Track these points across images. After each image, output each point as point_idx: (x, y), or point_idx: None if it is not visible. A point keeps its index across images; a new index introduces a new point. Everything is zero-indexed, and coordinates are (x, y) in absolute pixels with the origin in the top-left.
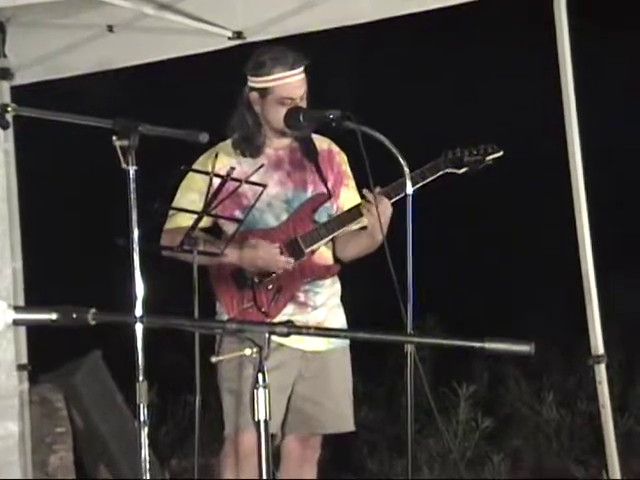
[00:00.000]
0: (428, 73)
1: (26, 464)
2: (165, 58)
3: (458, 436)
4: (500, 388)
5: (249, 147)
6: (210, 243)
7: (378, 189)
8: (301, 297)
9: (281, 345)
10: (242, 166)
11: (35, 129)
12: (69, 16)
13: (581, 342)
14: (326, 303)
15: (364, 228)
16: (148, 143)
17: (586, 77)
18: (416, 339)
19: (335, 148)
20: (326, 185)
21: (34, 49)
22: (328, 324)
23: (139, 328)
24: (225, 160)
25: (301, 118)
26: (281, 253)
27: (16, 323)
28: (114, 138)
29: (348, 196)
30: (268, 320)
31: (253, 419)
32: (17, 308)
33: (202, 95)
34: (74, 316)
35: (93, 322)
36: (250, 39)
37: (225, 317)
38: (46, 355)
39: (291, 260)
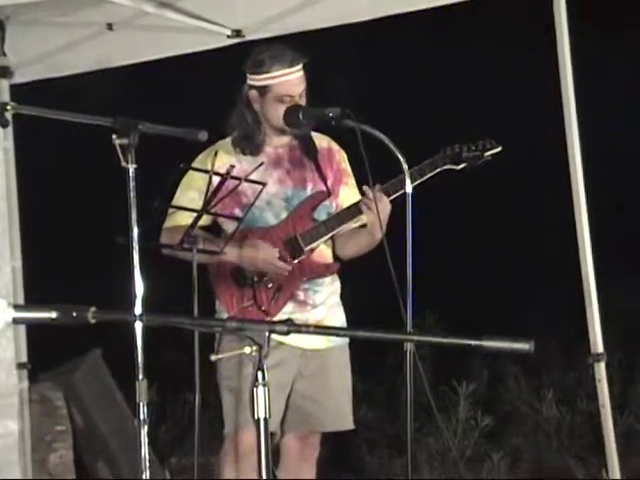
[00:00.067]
0: (428, 72)
1: (26, 463)
2: (164, 56)
3: (458, 434)
4: (500, 386)
5: (249, 145)
6: (210, 241)
7: (377, 186)
8: (301, 295)
9: (281, 343)
10: (242, 164)
11: (35, 127)
12: (69, 14)
13: (581, 340)
14: (326, 301)
15: (364, 226)
16: (148, 141)
17: (586, 79)
18: (415, 337)
19: (335, 146)
20: (325, 183)
21: (34, 47)
22: (328, 322)
23: (139, 326)
24: (225, 158)
25: (300, 116)
26: (280, 257)
27: (16, 322)
28: (114, 136)
29: (348, 194)
30: (268, 318)
31: (253, 417)
32: (17, 306)
33: (201, 93)
34: (74, 315)
35: (93, 320)
36: (249, 37)
37: (225, 315)
38: (46, 354)
39: (288, 267)
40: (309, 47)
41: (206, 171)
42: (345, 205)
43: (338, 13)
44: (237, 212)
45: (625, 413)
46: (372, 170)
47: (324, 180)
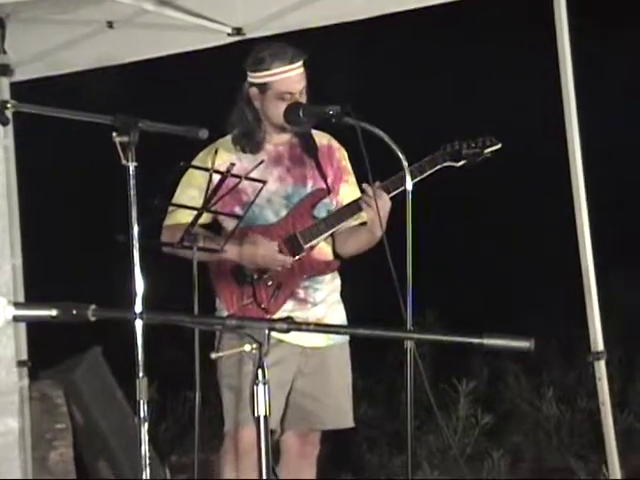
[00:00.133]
0: (428, 69)
1: (26, 460)
2: (165, 54)
3: (458, 432)
4: (500, 384)
5: (249, 143)
6: (210, 239)
7: (377, 184)
8: (301, 293)
9: (281, 341)
10: (242, 162)
11: (35, 125)
12: (69, 12)
13: (581, 338)
14: (326, 299)
15: (364, 224)
16: (148, 139)
17: (586, 76)
18: (416, 335)
19: (335, 144)
20: (326, 181)
21: (34, 45)
22: (328, 320)
23: (139, 324)
24: (225, 156)
25: (301, 114)
26: (280, 251)
27: (16, 319)
28: (114, 134)
29: (348, 192)
30: (268, 316)
31: (253, 415)
32: (17, 304)
33: (202, 91)
34: (74, 312)
35: (93, 318)
36: (249, 35)
37: (225, 313)
38: (46, 351)
39: (289, 259)
40: (309, 45)
41: (206, 169)
42: (345, 202)
43: (338, 11)
44: (237, 210)
45: (625, 411)
46: (372, 167)
47: (324, 178)
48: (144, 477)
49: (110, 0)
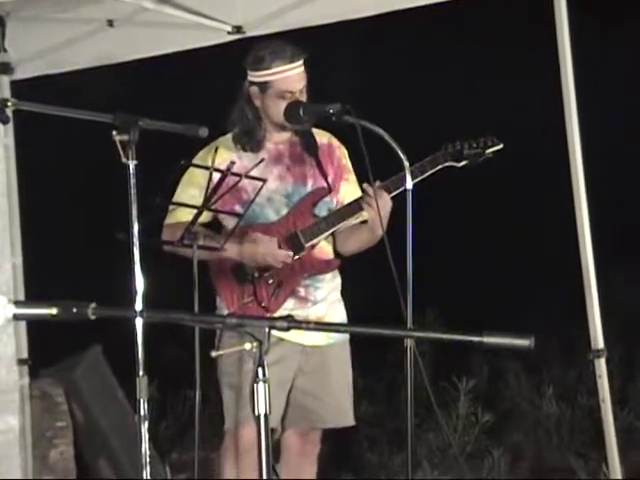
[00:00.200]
0: (428, 67)
1: (26, 458)
2: (165, 53)
3: (458, 430)
4: (500, 382)
5: (249, 141)
6: (210, 238)
7: (378, 183)
8: (301, 292)
9: (281, 339)
10: (242, 160)
11: (35, 124)
12: (69, 10)
13: (581, 336)
14: (326, 298)
15: (364, 222)
16: (148, 138)
17: (586, 72)
18: (416, 333)
19: (335, 142)
20: (326, 179)
21: (34, 43)
22: (328, 319)
23: (139, 323)
24: (225, 155)
25: (301, 112)
26: (280, 247)
27: (16, 318)
28: (114, 133)
29: (348, 190)
30: (268, 315)
31: (253, 413)
32: (17, 303)
33: (202, 90)
34: (74, 311)
35: (93, 317)
36: (250, 34)
37: (225, 312)
38: (46, 350)
39: (290, 253)
40: (310, 43)
41: (206, 167)
42: (346, 201)
43: (338, 9)
44: (238, 208)
45: (625, 409)
46: (372, 166)
47: (325, 176)
48: (144, 475)
49: None
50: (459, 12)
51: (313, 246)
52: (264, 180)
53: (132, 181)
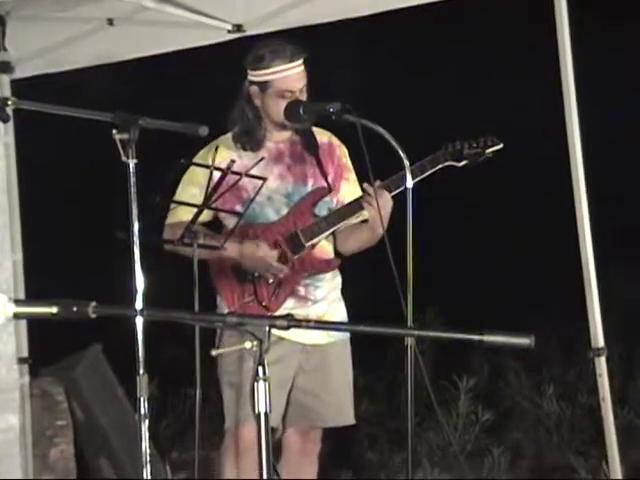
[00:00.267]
0: (428, 66)
1: (27, 457)
2: (165, 51)
3: (458, 429)
4: (500, 381)
5: (249, 141)
6: (210, 237)
7: (378, 182)
8: (302, 291)
9: (281, 338)
10: (242, 159)
11: (35, 122)
12: (69, 9)
13: (581, 335)
14: (327, 297)
15: (365, 222)
16: (148, 136)
17: (586, 70)
18: (416, 332)
19: (335, 141)
20: (326, 179)
21: (34, 42)
22: (329, 318)
23: (139, 321)
24: (225, 154)
25: (301, 111)
26: (280, 258)
27: (17, 316)
28: (114, 131)
29: (348, 190)
30: (269, 314)
31: (253, 412)
32: (18, 301)
33: (202, 89)
34: (74, 309)
35: (93, 315)
36: (250, 32)
37: (226, 311)
38: (47, 348)
39: (285, 269)
40: (310, 42)
41: (207, 166)
42: (346, 201)
43: (338, 8)
44: (238, 208)
45: (625, 407)
46: (373, 166)
47: (325, 176)
48: (144, 474)
49: None
50: (460, 12)
51: (313, 245)
52: (264, 179)
53: (132, 180)
